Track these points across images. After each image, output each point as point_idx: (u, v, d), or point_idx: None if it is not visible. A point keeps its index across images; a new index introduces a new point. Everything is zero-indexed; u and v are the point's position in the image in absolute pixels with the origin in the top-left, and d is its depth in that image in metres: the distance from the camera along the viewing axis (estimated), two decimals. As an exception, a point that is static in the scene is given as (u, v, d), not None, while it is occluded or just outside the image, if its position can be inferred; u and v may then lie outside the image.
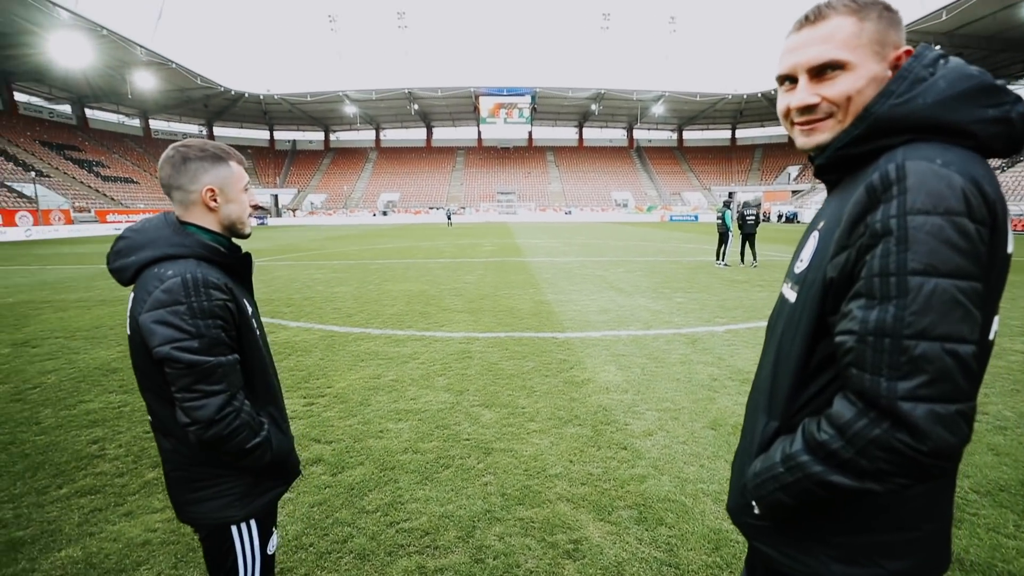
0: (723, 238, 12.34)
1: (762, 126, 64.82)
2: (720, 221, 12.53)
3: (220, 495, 1.20)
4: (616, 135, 69.59)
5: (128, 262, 1.15)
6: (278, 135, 66.53)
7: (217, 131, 61.56)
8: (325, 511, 2.45)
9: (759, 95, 54.69)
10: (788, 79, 0.88)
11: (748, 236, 12.39)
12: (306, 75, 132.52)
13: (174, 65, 41.84)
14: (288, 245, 20.65)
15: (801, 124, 0.86)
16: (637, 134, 68.61)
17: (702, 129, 67.93)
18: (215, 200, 1.21)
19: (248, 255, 1.31)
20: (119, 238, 1.19)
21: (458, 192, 58.68)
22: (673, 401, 3.78)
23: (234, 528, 1.22)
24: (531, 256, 14.76)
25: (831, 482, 0.75)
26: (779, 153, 60.93)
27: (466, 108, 61.08)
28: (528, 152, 67.05)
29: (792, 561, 0.87)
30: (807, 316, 0.84)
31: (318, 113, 61.41)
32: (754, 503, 0.89)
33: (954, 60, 0.79)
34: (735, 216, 12.93)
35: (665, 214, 50.95)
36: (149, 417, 1.24)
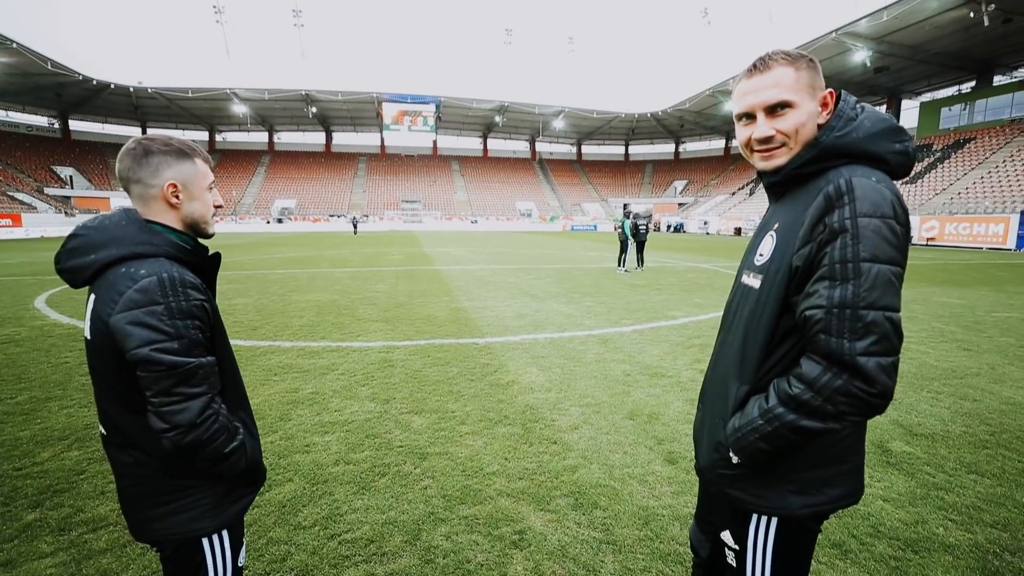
0: (623, 246, 13.36)
1: (651, 143, 70.35)
2: (620, 231, 13.62)
3: (190, 507, 1.13)
4: (520, 147, 71.54)
5: (85, 261, 1.08)
6: (152, 133, 59.53)
7: (74, 124, 53.77)
8: (257, 531, 2.31)
9: (648, 115, 59.37)
10: (746, 116, 1.11)
11: (640, 244, 13.82)
12: (188, 69, 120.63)
13: (14, 44, 35.99)
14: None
15: (760, 151, 1.10)
16: (539, 146, 71.11)
17: (599, 144, 72.15)
18: (177, 197, 1.16)
19: (217, 255, 1.26)
20: (72, 236, 1.10)
21: (360, 199, 56.67)
22: (593, 397, 4.03)
23: (205, 541, 1.16)
24: (442, 264, 14.72)
25: (802, 426, 0.96)
26: (667, 169, 66.53)
27: (368, 114, 59.33)
28: (433, 160, 66.65)
29: (759, 500, 1.09)
30: (773, 297, 1.05)
31: (201, 111, 56.14)
32: (733, 454, 1.08)
33: (868, 106, 1.07)
34: (632, 226, 14.07)
35: (567, 224, 53.28)
36: (102, 431, 1.14)
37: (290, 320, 6.93)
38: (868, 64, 36.31)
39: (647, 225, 14.06)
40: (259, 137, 63.50)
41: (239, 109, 54.16)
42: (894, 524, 2.38)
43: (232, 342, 5.52)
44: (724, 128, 59.22)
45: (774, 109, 1.06)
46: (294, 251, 20.30)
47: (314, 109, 55.77)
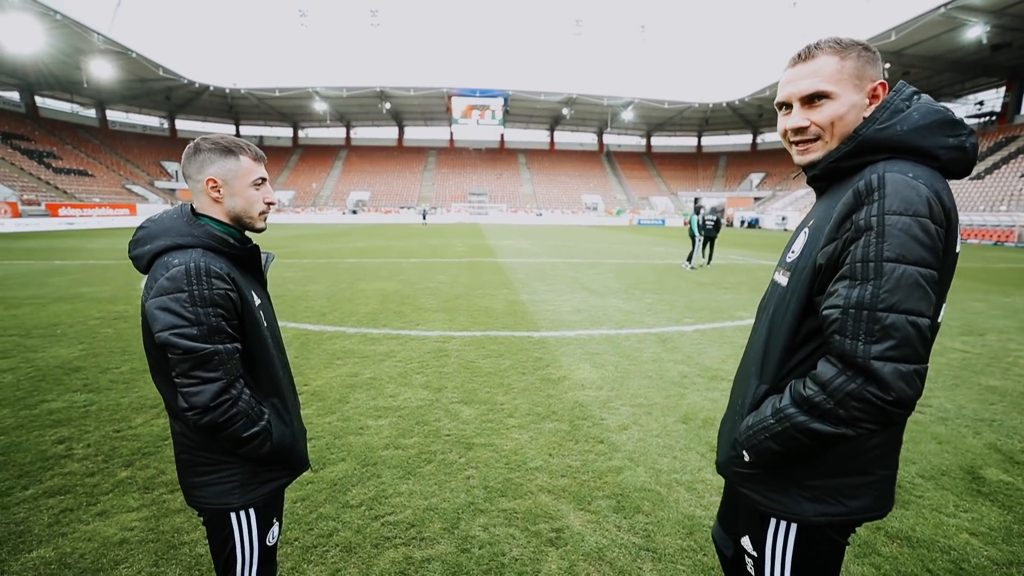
0: (694, 241, 12.85)
1: (726, 134, 66.84)
2: (689, 225, 13.12)
3: (220, 481, 1.23)
4: (587, 139, 70.51)
5: (144, 251, 1.19)
6: (244, 130, 64.60)
7: (179, 124, 59.38)
8: (308, 506, 2.46)
9: (724, 104, 56.40)
10: (785, 106, 1.06)
11: (709, 240, 13.22)
12: (275, 70, 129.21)
13: (134, 54, 40.15)
14: (261, 240, 20.08)
15: (797, 144, 1.05)
16: (607, 139, 69.68)
17: (669, 135, 69.53)
18: (217, 192, 1.24)
19: (255, 247, 1.32)
20: (139, 228, 1.23)
21: (429, 192, 58.29)
22: (646, 397, 3.92)
23: (233, 515, 1.25)
24: (504, 257, 14.85)
25: (813, 429, 0.91)
26: (742, 161, 62.97)
27: (438, 108, 60.78)
28: (500, 154, 67.21)
29: (772, 502, 1.04)
30: (797, 296, 1.01)
31: (287, 109, 60.02)
32: (745, 452, 1.04)
33: (925, 97, 0.97)
34: (700, 221, 13.51)
35: (634, 218, 51.90)
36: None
37: (356, 307, 7.28)
38: (984, 41, 32.30)
39: (716, 220, 13.34)
40: (337, 133, 66.92)
41: (320, 107, 57.28)
42: (981, 562, 2.12)
43: (302, 326, 5.93)
44: (810, 116, 54.92)
45: (811, 100, 1.01)
46: (365, 241, 21.27)
47: (388, 105, 57.89)
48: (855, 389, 0.86)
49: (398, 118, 64.84)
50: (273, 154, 63.69)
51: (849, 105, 0.99)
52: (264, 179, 1.31)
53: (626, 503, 2.50)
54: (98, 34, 36.12)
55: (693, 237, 12.91)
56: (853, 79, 0.99)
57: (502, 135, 66.87)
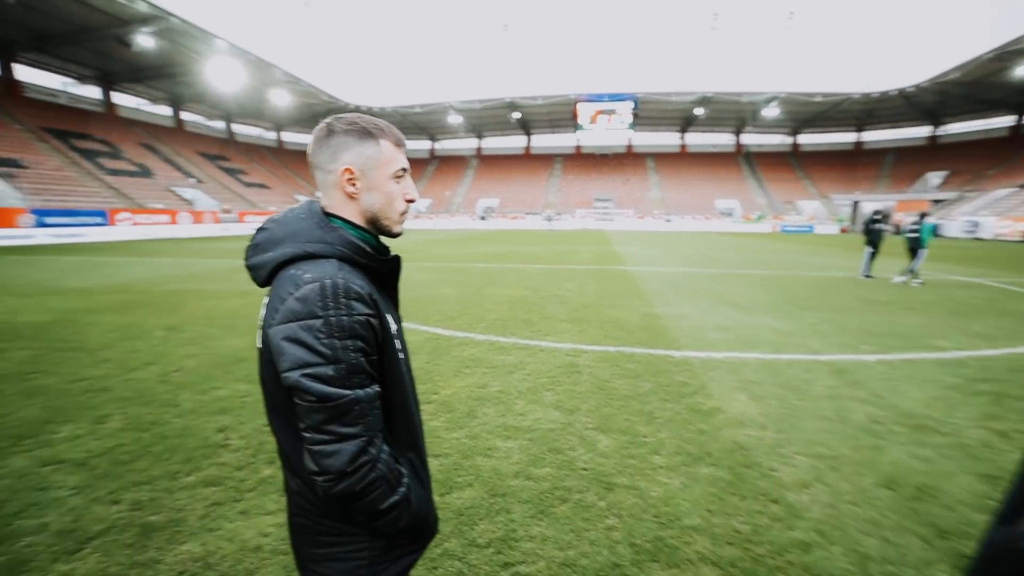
0: (913, 252, 10.83)
1: (895, 127, 57.44)
2: (915, 235, 10.80)
3: (346, 556, 0.98)
4: (722, 140, 65.54)
5: (265, 259, 0.96)
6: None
7: (336, 141, 67.20)
8: (435, 539, 2.25)
9: (895, 92, 48.41)
10: None
11: (873, 248, 11.55)
12: (414, 88, 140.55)
13: (304, 83, 46.30)
14: (395, 246, 21.61)
15: None
16: (746, 139, 64.04)
17: (820, 132, 61.70)
18: (354, 185, 0.99)
19: (396, 259, 1.06)
20: (259, 229, 1.00)
21: (555, 198, 58.62)
22: (827, 446, 3.16)
23: None
24: (633, 265, 14.09)
25: None
26: (916, 157, 53.50)
27: (565, 115, 60.96)
28: (627, 158, 65.36)
29: None
30: None
31: (425, 123, 64.69)
32: None
33: None
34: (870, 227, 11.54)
35: (776, 224, 46.84)
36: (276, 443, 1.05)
37: (485, 313, 7.24)
38: None
39: (881, 226, 11.41)
40: (469, 143, 70.51)
41: (454, 120, 60.77)
42: None
43: (433, 330, 5.95)
44: (1013, 101, 44.98)
45: None
46: (493, 246, 21.82)
47: (517, 115, 59.48)
48: None
49: (526, 127, 66.33)
50: (413, 165, 67.60)
51: None
52: (406, 170, 1.05)
53: (824, 597, 1.91)
54: (278, 68, 42.25)
55: (916, 248, 10.72)
56: None
57: (630, 139, 65.03)
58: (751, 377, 4.47)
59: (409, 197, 1.06)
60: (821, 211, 50.45)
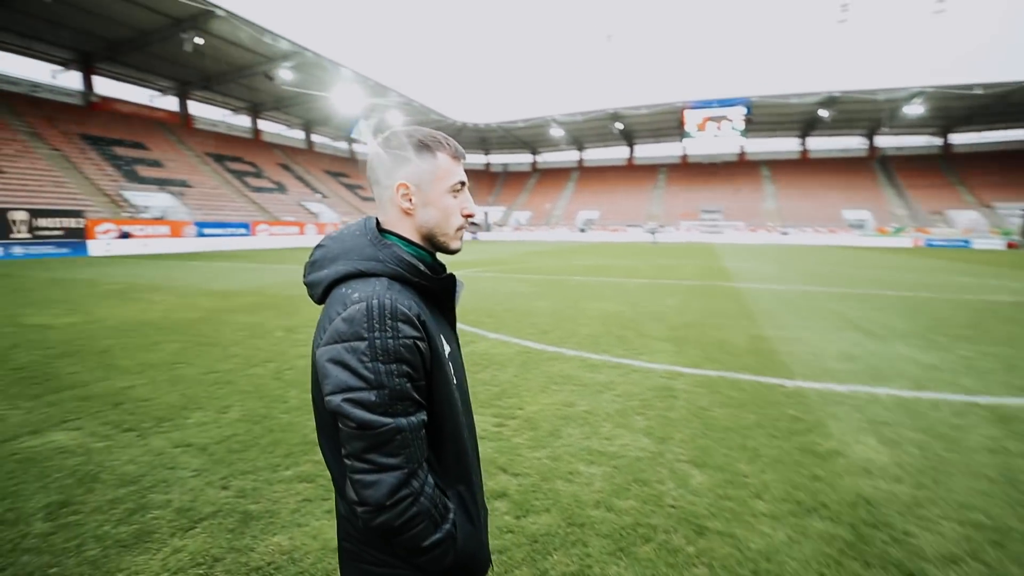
0: None
1: (1089, 121, 47.58)
2: None
3: None
4: (851, 144, 58.94)
5: (320, 276, 0.94)
6: (492, 159, 73.58)
7: (444, 157, 70.85)
8: (505, 564, 2.17)
9: (1089, 81, 40.14)
10: None
11: None
12: (517, 103, 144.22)
13: (416, 104, 49.66)
14: (495, 258, 22.27)
15: None
16: (881, 141, 56.98)
17: (979, 131, 52.90)
18: (408, 200, 0.96)
19: (451, 277, 1.01)
20: (317, 246, 0.98)
21: (658, 210, 56.55)
22: (987, 513, 2.58)
23: None
24: (742, 282, 13.04)
25: None
26: (1123, 158, 43.75)
27: (671, 124, 58.76)
28: (738, 167, 61.24)
29: None
30: None
31: (527, 137, 66.01)
32: None
33: None
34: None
35: (920, 238, 40.91)
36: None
37: (578, 327, 7.08)
38: None
39: None
40: (570, 156, 70.66)
41: (556, 133, 61.31)
42: None
43: (524, 343, 5.93)
44: None
45: None
46: (591, 259, 21.51)
47: (619, 125, 58.51)
48: None
49: (628, 137, 64.99)
50: (515, 178, 70.75)
51: None
52: (464, 183, 1.00)
53: None
54: (394, 91, 45.76)
55: None
56: None
57: (741, 146, 60.95)
58: (882, 417, 3.84)
59: (467, 212, 1.01)
60: (980, 222, 43.18)
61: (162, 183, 34.07)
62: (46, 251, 22.84)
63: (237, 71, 39.08)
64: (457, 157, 1.00)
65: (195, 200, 34.36)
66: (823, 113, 50.81)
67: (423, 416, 0.89)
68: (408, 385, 0.86)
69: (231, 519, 2.52)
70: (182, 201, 33.31)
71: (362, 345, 0.83)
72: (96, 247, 24.66)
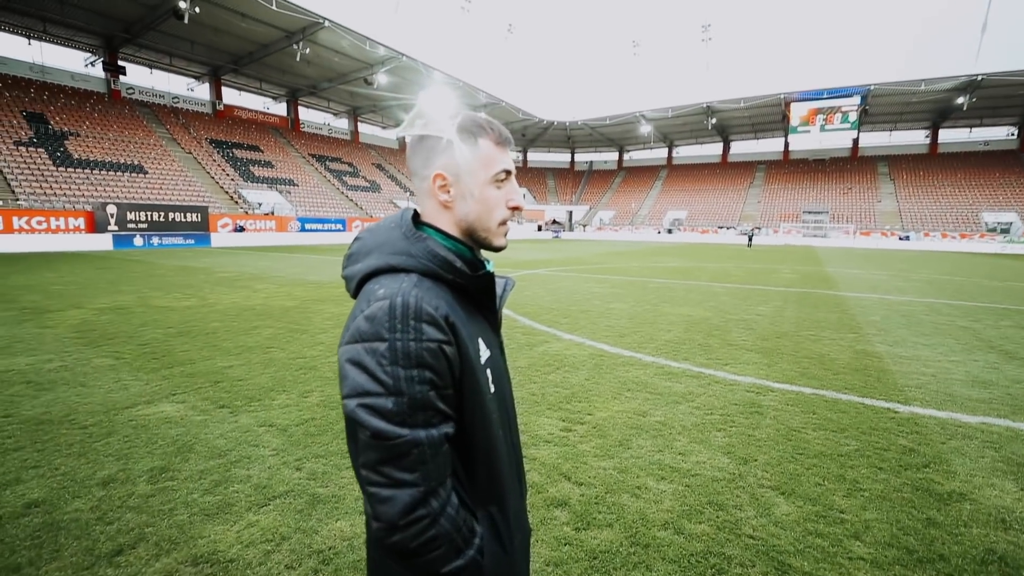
0: None
1: None
2: None
3: None
4: (995, 134, 51.20)
5: (355, 270, 0.89)
6: (578, 156, 72.89)
7: (530, 155, 71.33)
8: (560, 579, 2.06)
9: None
10: None
11: None
12: (604, 99, 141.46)
13: (504, 104, 50.37)
14: (575, 257, 22.00)
15: None
16: (1037, 132, 49.01)
17: None
18: (446, 191, 0.88)
19: (489, 276, 0.91)
20: (355, 239, 0.93)
21: (753, 211, 52.85)
22: None
23: None
24: (848, 290, 11.77)
25: None
26: None
27: (772, 117, 54.62)
28: (849, 163, 55.54)
29: None
30: None
31: (614, 135, 64.57)
32: None
33: None
34: None
35: (1086, 246, 34.65)
36: None
37: (657, 333, 6.74)
38: None
39: None
40: (659, 153, 68.11)
41: (644, 129, 59.37)
42: None
43: (599, 346, 5.73)
44: None
45: None
46: (677, 261, 20.55)
47: (714, 120, 55.44)
48: None
49: (723, 132, 61.40)
50: (600, 176, 69.59)
51: None
52: (509, 172, 0.91)
53: None
54: (482, 91, 46.77)
55: None
56: None
57: (855, 140, 55.19)
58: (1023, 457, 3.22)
59: (512, 204, 0.91)
60: None
61: (272, 182, 37.52)
62: (176, 242, 26.03)
63: (339, 77, 42.00)
64: (502, 143, 0.90)
65: (299, 197, 37.45)
66: (960, 100, 44.61)
67: (447, 429, 0.80)
68: (431, 393, 0.78)
69: (301, 500, 2.63)
70: (288, 198, 36.43)
71: (382, 346, 0.76)
72: (217, 239, 27.69)
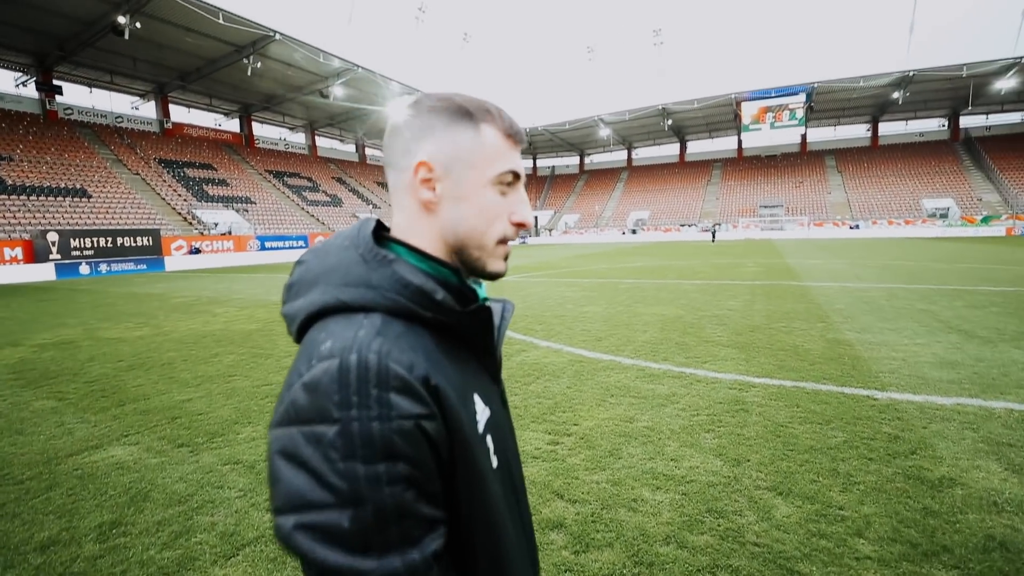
0: None
1: None
2: None
3: None
4: (928, 126, 54.46)
5: (294, 308, 0.63)
6: (540, 162, 73.44)
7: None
8: (565, 613, 1.91)
9: None
10: None
11: None
12: (563, 105, 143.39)
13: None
14: (544, 262, 22.00)
15: None
16: (967, 121, 52.28)
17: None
18: (431, 188, 0.63)
19: (485, 311, 0.65)
20: (296, 263, 0.67)
21: (713, 207, 54.37)
22: None
23: None
24: (811, 280, 12.11)
25: None
26: None
27: (725, 117, 56.47)
28: (799, 158, 57.97)
29: None
30: None
31: (574, 139, 65.38)
32: None
33: None
34: None
35: (1016, 226, 37.11)
36: None
37: (634, 334, 6.70)
38: None
39: None
40: (619, 155, 69.36)
41: (603, 132, 60.33)
42: None
43: (577, 352, 5.60)
44: None
45: None
46: (643, 260, 20.81)
47: (670, 122, 56.83)
48: None
49: (680, 133, 63.07)
50: (563, 181, 70.24)
51: None
52: (518, 176, 0.66)
53: None
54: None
55: None
56: None
57: (803, 136, 57.71)
58: (1003, 437, 3.27)
59: (518, 219, 0.66)
60: (1087, 207, 38.61)
61: (228, 201, 36.20)
62: (127, 268, 24.72)
63: (294, 90, 41.03)
64: (512, 136, 0.66)
65: (257, 215, 36.25)
66: (896, 95, 47.21)
67: (435, 544, 0.53)
68: (407, 495, 0.51)
69: (273, 546, 2.40)
70: (246, 217, 35.22)
71: (330, 432, 0.50)
72: (172, 263, 26.46)
